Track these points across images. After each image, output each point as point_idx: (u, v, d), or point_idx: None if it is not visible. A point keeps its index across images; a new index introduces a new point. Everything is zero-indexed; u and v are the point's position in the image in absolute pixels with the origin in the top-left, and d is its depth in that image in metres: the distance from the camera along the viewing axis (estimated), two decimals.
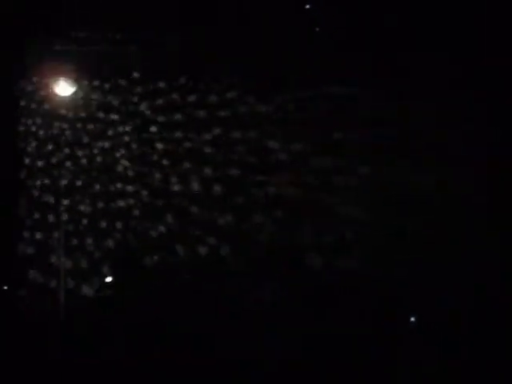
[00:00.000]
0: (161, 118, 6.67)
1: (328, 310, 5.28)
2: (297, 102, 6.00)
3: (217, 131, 6.35)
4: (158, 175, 6.59)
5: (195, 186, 6.33)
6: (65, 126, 6.94)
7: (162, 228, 6.37)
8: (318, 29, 5.88)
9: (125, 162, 6.69)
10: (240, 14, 6.06)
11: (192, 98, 6.52)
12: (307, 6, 5.87)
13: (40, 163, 6.95)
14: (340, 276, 5.44)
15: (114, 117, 6.82)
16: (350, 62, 5.61)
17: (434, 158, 5.37)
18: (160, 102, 6.68)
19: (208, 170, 6.31)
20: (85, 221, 6.64)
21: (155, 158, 6.64)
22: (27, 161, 6.97)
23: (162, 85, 6.68)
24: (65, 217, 6.59)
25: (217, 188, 6.21)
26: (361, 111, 5.71)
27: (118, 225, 6.55)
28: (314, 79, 5.84)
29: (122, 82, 6.86)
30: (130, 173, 6.68)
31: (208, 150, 6.37)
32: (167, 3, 6.13)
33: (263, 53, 5.99)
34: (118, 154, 6.75)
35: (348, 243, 5.55)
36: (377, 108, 5.61)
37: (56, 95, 6.40)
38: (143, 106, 6.74)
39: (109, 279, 6.15)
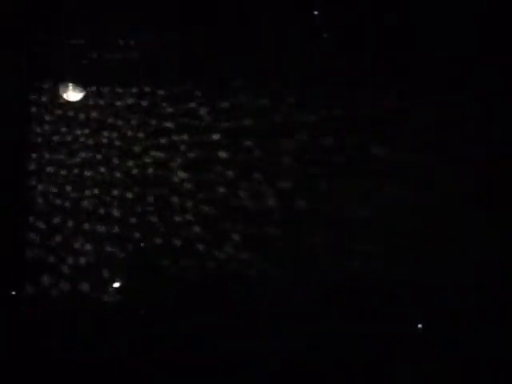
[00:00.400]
0: (225, 124, 6.06)
1: (330, 310, 5.32)
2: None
3: (301, 137, 5.71)
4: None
5: (270, 201, 5.72)
6: (76, 131, 6.73)
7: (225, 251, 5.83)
8: (325, 35, 5.69)
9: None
10: (241, 15, 6.02)
11: (263, 102, 5.93)
12: (315, 12, 5.73)
13: (51, 169, 6.78)
14: (344, 275, 5.46)
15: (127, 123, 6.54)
16: (350, 61, 5.61)
17: (433, 157, 5.40)
18: (225, 105, 6.10)
19: (286, 184, 5.69)
20: (96, 226, 6.47)
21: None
22: (38, 165, 6.79)
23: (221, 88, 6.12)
24: (72, 221, 6.55)
25: (301, 203, 5.61)
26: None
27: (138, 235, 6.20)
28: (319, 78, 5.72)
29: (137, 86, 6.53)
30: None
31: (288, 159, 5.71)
32: (167, 3, 6.12)
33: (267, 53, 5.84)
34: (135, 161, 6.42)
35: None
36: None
37: (63, 99, 6.33)
38: (202, 111, 6.18)
39: (117, 284, 6.15)
